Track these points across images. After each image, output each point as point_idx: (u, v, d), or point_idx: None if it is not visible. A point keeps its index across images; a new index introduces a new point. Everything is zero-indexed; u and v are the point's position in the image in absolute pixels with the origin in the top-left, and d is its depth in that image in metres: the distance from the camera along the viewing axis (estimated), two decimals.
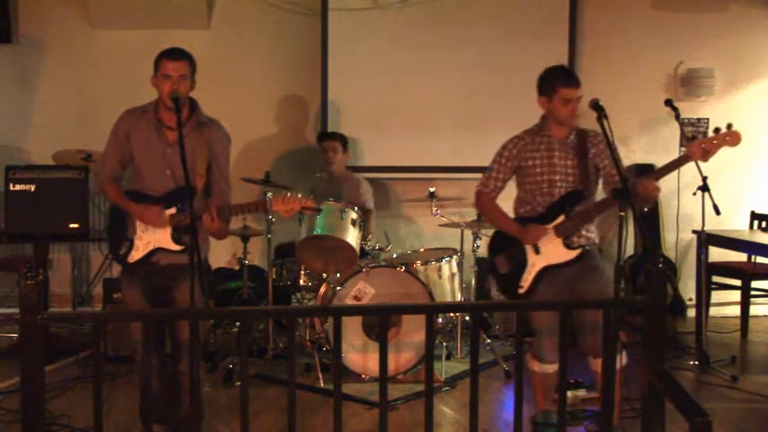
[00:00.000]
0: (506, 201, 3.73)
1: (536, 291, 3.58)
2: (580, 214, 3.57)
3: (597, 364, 3.51)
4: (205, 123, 3.44)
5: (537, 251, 3.59)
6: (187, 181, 3.10)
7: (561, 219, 3.57)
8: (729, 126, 3.34)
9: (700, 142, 3.38)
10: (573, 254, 3.57)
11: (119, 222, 3.49)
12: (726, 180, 5.88)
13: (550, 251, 3.57)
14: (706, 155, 3.41)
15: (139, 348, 3.44)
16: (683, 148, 5.89)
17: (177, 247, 3.38)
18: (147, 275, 3.43)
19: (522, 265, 3.61)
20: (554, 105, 3.56)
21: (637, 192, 3.34)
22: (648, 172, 3.44)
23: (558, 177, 3.59)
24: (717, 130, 3.36)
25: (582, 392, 4.16)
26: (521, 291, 3.60)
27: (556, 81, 3.55)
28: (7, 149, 5.92)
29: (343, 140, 5.35)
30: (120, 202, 3.45)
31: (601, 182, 3.68)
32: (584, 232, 3.61)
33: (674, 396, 2.28)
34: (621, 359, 3.46)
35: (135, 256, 3.42)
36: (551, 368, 3.54)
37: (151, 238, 3.40)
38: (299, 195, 3.35)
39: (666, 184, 5.97)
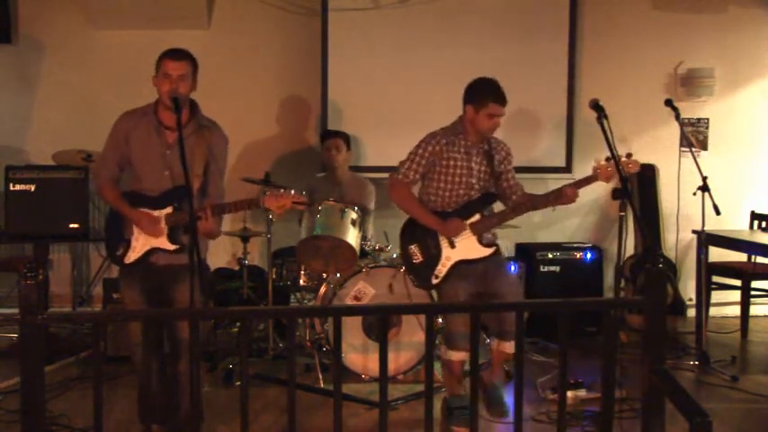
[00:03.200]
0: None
1: (448, 282, 3.79)
2: (497, 215, 3.84)
3: (507, 346, 3.79)
4: (205, 126, 3.44)
5: (452, 245, 3.79)
6: (187, 181, 3.10)
7: (477, 218, 3.79)
8: (629, 155, 3.67)
9: (605, 165, 3.64)
10: (487, 251, 3.82)
11: (116, 223, 3.49)
12: (726, 180, 5.88)
13: (465, 246, 3.79)
14: (610, 178, 3.70)
15: (137, 349, 3.44)
16: (683, 149, 5.90)
17: (173, 247, 3.38)
18: (145, 276, 3.43)
19: (436, 256, 3.81)
20: (480, 117, 3.76)
21: (560, 195, 3.71)
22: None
23: (474, 181, 3.82)
24: (628, 155, 3.67)
25: (582, 392, 4.16)
26: (434, 281, 3.82)
27: (488, 96, 3.74)
28: (7, 149, 5.91)
29: (347, 139, 5.31)
30: (118, 205, 3.45)
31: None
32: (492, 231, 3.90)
33: (674, 396, 2.28)
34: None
35: (132, 256, 3.42)
36: (465, 355, 3.79)
37: (147, 239, 3.40)
38: (292, 192, 3.35)
39: (667, 183, 6.03)
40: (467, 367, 3.71)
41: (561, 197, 3.73)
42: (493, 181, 3.90)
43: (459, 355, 3.83)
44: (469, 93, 3.81)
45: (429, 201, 3.88)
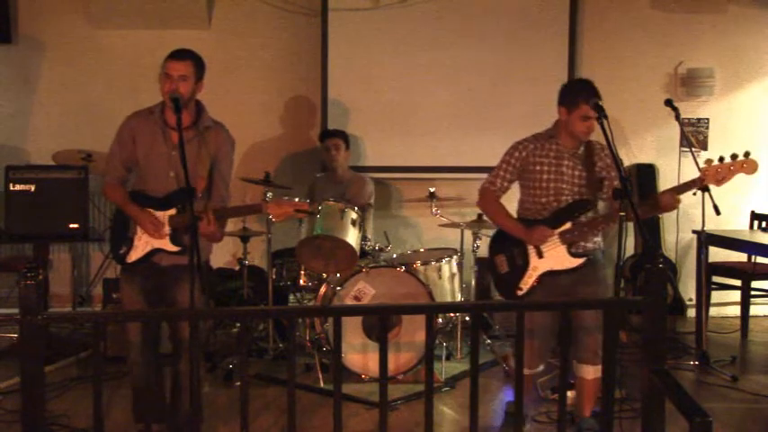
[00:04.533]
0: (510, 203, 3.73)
1: (533, 294, 3.58)
2: (587, 224, 3.58)
3: (585, 371, 3.58)
4: (211, 127, 3.44)
5: (540, 255, 3.58)
6: (188, 182, 3.10)
7: (568, 225, 3.56)
8: (747, 154, 3.37)
9: (715, 167, 3.39)
10: (576, 262, 3.56)
11: (121, 222, 3.50)
12: None
13: (554, 256, 3.57)
14: (720, 182, 3.42)
15: (133, 348, 3.44)
16: (683, 149, 5.91)
17: (175, 248, 3.38)
18: (147, 275, 3.43)
19: (523, 267, 3.62)
20: (572, 119, 3.53)
21: (659, 204, 3.44)
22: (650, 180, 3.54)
23: (565, 186, 3.59)
24: (734, 156, 3.38)
25: None
26: (519, 293, 3.61)
27: (580, 96, 3.50)
28: (7, 149, 5.92)
29: (345, 138, 5.33)
30: (123, 205, 3.45)
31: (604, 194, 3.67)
32: (590, 238, 3.61)
33: (674, 396, 2.28)
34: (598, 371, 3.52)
35: (133, 256, 3.43)
36: (528, 371, 3.60)
37: (150, 239, 3.40)
38: (297, 200, 3.34)
39: (667, 183, 6.02)
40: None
41: (659, 206, 3.48)
42: (595, 186, 3.62)
43: (531, 371, 3.66)
44: (562, 94, 3.62)
45: (525, 209, 3.69)
